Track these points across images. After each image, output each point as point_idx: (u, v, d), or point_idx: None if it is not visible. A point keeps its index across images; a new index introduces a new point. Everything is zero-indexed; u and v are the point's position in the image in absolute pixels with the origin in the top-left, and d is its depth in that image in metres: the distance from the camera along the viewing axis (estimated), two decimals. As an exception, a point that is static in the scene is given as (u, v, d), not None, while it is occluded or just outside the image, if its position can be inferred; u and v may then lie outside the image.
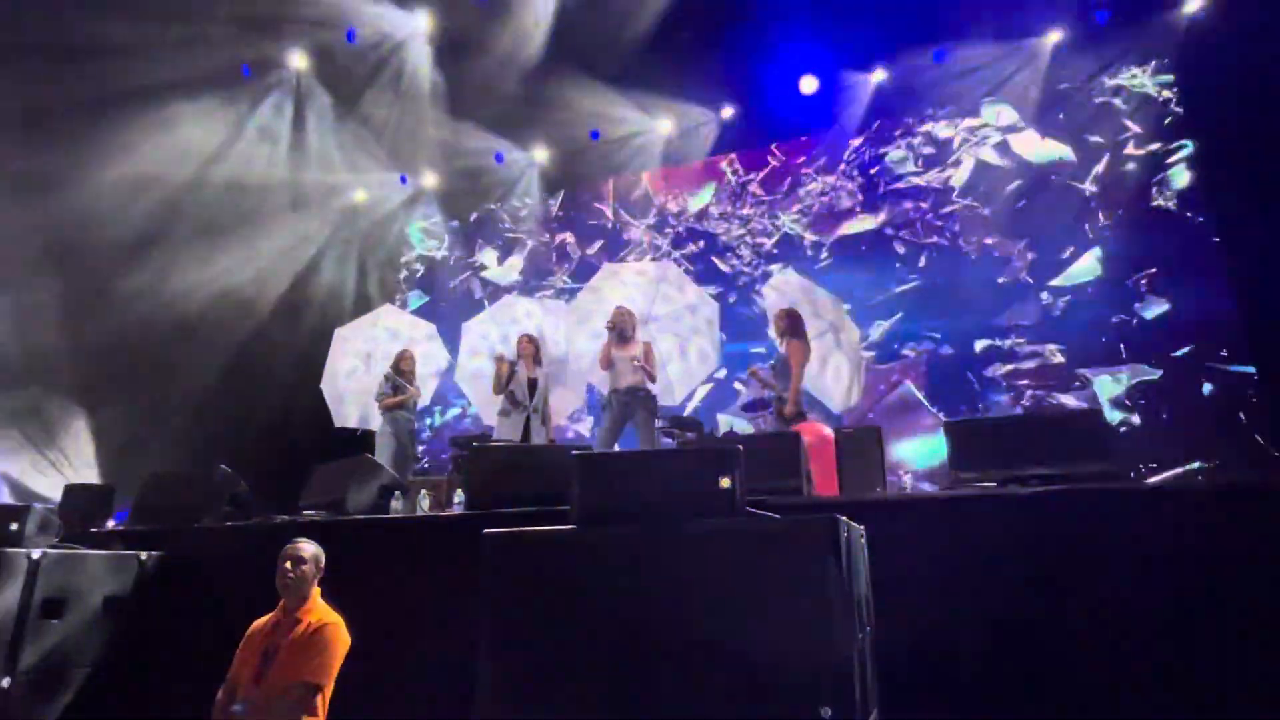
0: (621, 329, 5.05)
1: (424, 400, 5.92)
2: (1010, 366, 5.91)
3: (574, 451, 2.18)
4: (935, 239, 6.51)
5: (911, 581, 2.46)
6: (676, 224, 7.64)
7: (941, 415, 5.84)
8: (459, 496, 3.53)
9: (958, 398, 5.99)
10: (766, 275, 6.61)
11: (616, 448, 4.90)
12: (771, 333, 4.90)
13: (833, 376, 5.21)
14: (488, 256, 8.53)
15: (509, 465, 3.10)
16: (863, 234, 6.74)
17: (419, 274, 8.75)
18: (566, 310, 5.63)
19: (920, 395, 6.11)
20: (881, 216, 6.74)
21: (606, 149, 7.52)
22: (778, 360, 4.81)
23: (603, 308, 5.38)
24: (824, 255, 6.88)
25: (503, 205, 8.39)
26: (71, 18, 5.53)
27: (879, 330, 6.42)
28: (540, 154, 7.93)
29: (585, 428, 7.10)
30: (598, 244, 7.90)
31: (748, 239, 7.18)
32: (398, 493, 3.53)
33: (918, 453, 5.90)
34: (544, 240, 8.25)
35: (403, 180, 8.20)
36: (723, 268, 7.24)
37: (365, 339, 6.10)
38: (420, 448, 5.61)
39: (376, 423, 5.76)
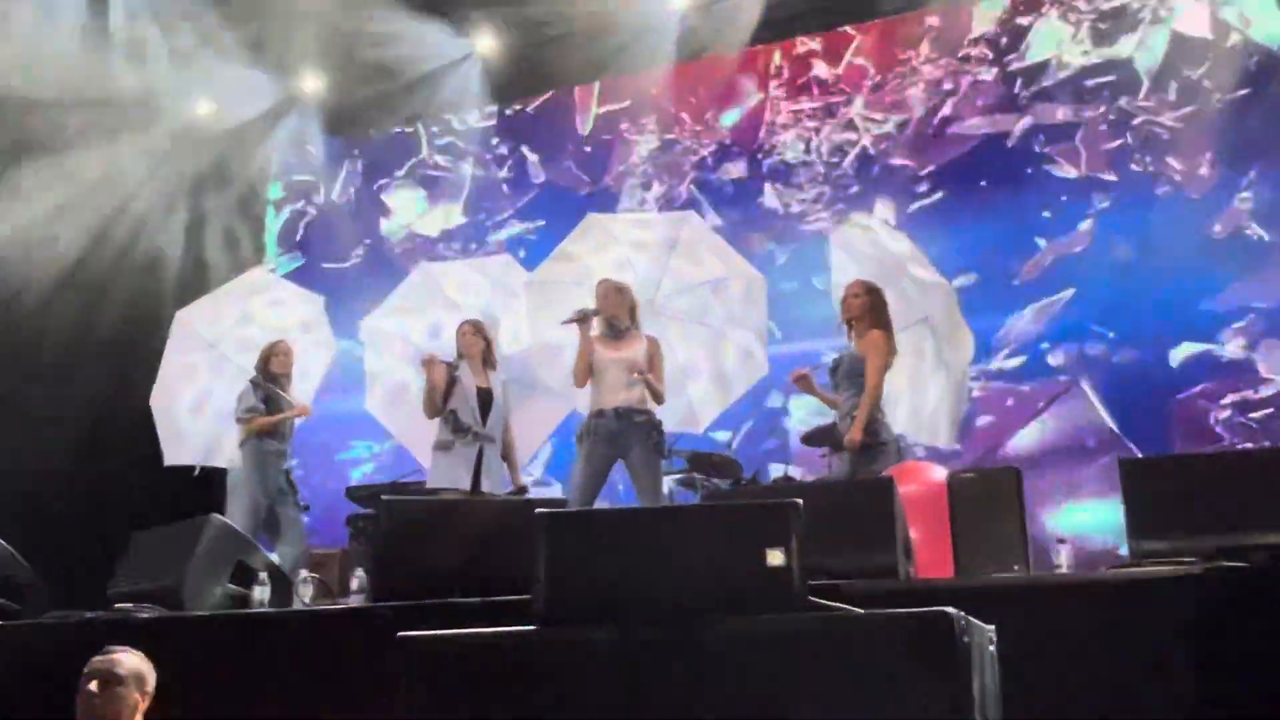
0: (611, 317, 5.02)
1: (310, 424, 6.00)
2: (1239, 395, 5.68)
3: (539, 509, 2.15)
4: (1108, 168, 6.36)
5: (1069, 708, 2.42)
6: (697, 148, 7.53)
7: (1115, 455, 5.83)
8: (359, 579, 3.52)
9: (1145, 430, 5.86)
10: (836, 223, 6.56)
11: (602, 504, 4.92)
12: (840, 314, 4.90)
13: (914, 395, 5.23)
14: (402, 199, 8.44)
15: (437, 529, 3.11)
16: (989, 157, 6.56)
17: (293, 227, 8.70)
18: (529, 283, 5.61)
19: (1084, 425, 6.05)
20: (1022, 126, 6.56)
21: (587, 35, 7.23)
22: (844, 360, 4.81)
23: (582, 281, 5.38)
24: (924, 195, 6.78)
25: (427, 123, 8.34)
26: None
27: (1017, 324, 6.27)
28: (485, 43, 7.70)
29: (541, 463, 7.04)
30: (574, 180, 7.88)
31: (809, 169, 7.13)
32: (263, 574, 3.52)
33: (1079, 512, 5.87)
34: (491, 175, 8.21)
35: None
36: (772, 211, 7.10)
37: (215, 325, 6.13)
38: (302, 498, 5.60)
39: (230, 457, 5.76)
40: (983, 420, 6.40)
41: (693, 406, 5.62)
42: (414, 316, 6.01)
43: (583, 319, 4.97)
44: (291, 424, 5.68)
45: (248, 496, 5.40)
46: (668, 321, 5.58)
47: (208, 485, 6.24)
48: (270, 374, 5.63)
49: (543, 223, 7.83)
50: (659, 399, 5.00)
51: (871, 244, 5.42)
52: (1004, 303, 6.42)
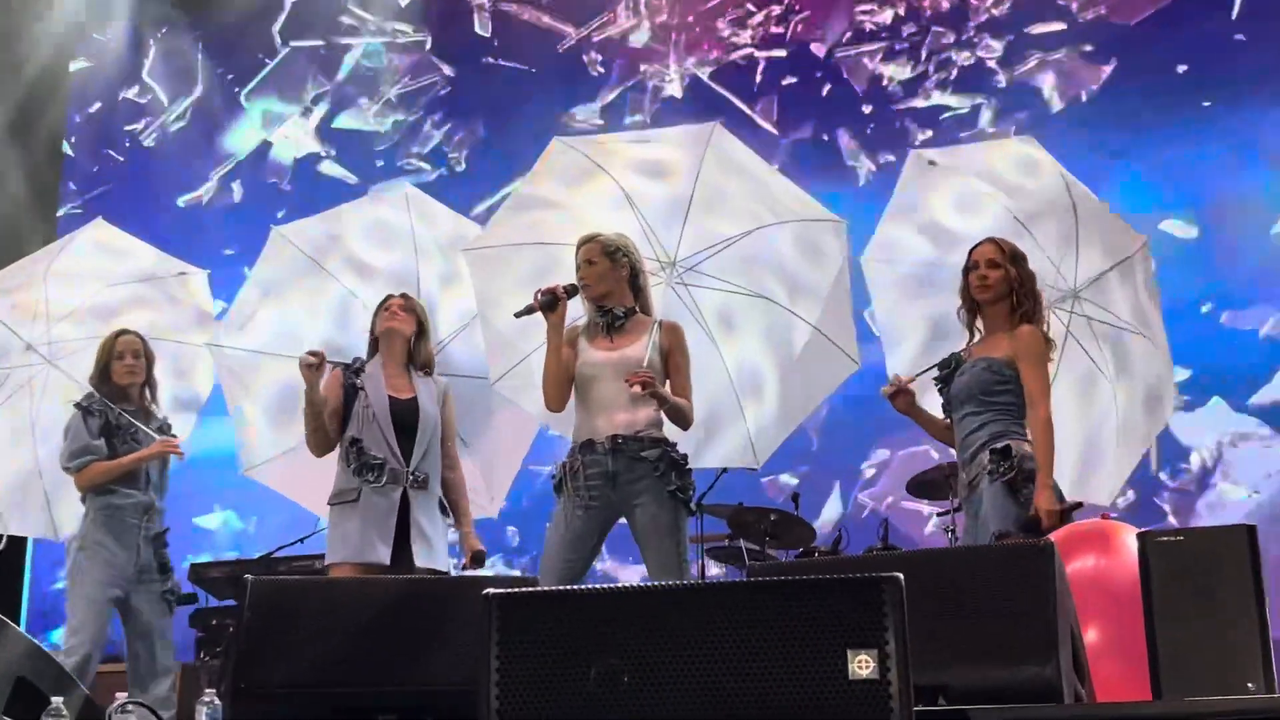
0: (599, 296, 5.05)
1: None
2: None
3: (489, 590, 2.19)
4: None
5: None
6: (728, 36, 7.61)
7: None
8: (208, 711, 3.53)
9: None
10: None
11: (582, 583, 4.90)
12: (960, 292, 4.98)
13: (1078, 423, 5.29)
14: (268, 111, 8.84)
15: (329, 628, 3.13)
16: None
17: (108, 155, 9.09)
18: (469, 253, 5.65)
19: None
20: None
21: None
22: (964, 368, 4.86)
23: (557, 238, 5.43)
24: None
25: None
26: None
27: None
28: None
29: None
30: (545, 80, 8.02)
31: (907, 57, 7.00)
32: (59, 707, 3.52)
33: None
34: (419, 79, 8.38)
35: None
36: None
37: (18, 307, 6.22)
38: (182, 584, 5.67)
39: (68, 523, 5.87)
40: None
41: (749, 436, 5.61)
42: (300, 296, 6.03)
43: (550, 304, 4.91)
44: (161, 464, 5.71)
45: (90, 582, 5.40)
46: (698, 295, 5.58)
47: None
48: (113, 388, 5.65)
49: (481, 131, 7.88)
50: (683, 421, 5.00)
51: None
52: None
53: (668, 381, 5.00)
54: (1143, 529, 3.84)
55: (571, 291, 4.97)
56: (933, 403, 5.08)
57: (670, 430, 5.02)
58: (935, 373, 5.01)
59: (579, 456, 4.92)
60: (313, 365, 5.15)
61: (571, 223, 5.41)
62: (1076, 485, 5.29)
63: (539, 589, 2.78)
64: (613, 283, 5.03)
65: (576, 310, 5.10)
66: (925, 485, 6.89)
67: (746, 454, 5.65)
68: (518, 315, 5.01)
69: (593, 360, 4.97)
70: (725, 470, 6.30)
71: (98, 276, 6.29)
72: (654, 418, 4.94)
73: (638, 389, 4.75)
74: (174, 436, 5.76)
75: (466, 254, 5.59)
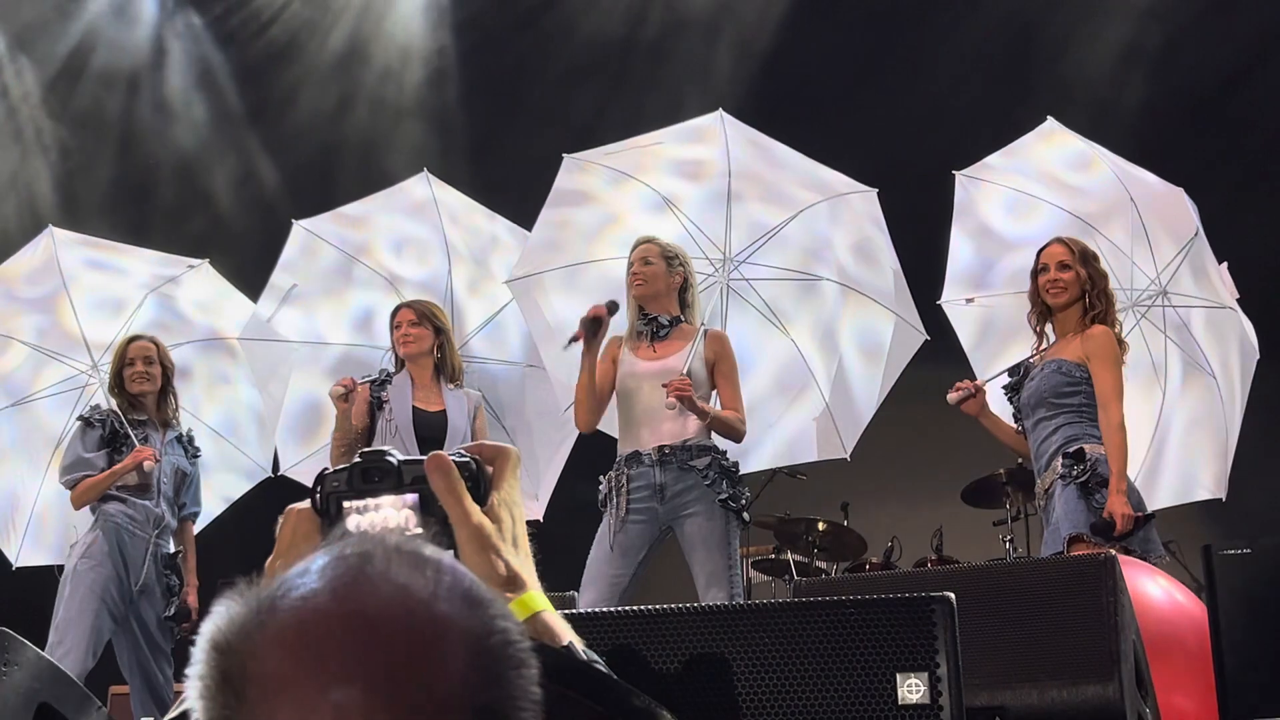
0: (649, 296, 5.01)
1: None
2: None
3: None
4: None
5: None
6: None
7: None
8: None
9: None
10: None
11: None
12: (1030, 294, 4.94)
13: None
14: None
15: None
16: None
17: None
18: (513, 284, 5.67)
19: None
20: None
21: None
22: (1034, 374, 4.83)
23: (602, 253, 5.45)
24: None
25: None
26: None
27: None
28: None
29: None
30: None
31: None
32: None
33: None
34: None
35: None
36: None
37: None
38: (187, 604, 5.60)
39: (52, 550, 5.86)
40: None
41: (824, 423, 5.57)
42: (321, 306, 6.09)
43: (593, 330, 4.85)
44: (179, 477, 5.64)
45: (83, 592, 5.30)
46: (755, 287, 5.57)
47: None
48: (127, 396, 5.61)
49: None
50: (733, 434, 4.96)
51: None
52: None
53: (714, 392, 4.96)
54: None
55: (613, 309, 4.93)
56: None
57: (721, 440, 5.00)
58: (1005, 379, 5.00)
59: (625, 469, 4.89)
60: (343, 395, 5.19)
61: (609, 238, 5.49)
62: (1200, 488, 5.41)
63: (570, 611, 2.73)
64: (663, 287, 5.00)
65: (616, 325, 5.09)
66: (980, 493, 6.81)
67: (834, 445, 5.64)
68: (565, 348, 5.01)
69: (636, 370, 4.93)
70: (777, 473, 6.27)
71: (117, 294, 6.32)
72: (703, 429, 4.90)
73: (673, 400, 4.70)
74: (146, 450, 5.52)
75: (511, 285, 5.65)
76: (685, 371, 4.79)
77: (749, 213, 5.54)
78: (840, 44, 8.93)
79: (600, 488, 4.98)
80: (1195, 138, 8.07)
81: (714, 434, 4.93)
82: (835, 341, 5.63)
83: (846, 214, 5.56)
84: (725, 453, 4.92)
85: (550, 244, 5.62)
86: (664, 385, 4.73)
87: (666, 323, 4.98)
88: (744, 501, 4.91)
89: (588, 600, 4.64)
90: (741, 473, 5.03)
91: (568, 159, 5.65)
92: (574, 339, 4.89)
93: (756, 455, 5.58)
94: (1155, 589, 3.88)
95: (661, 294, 4.99)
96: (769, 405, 5.61)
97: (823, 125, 7.82)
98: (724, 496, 4.81)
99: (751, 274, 5.56)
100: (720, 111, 5.61)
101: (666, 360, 4.89)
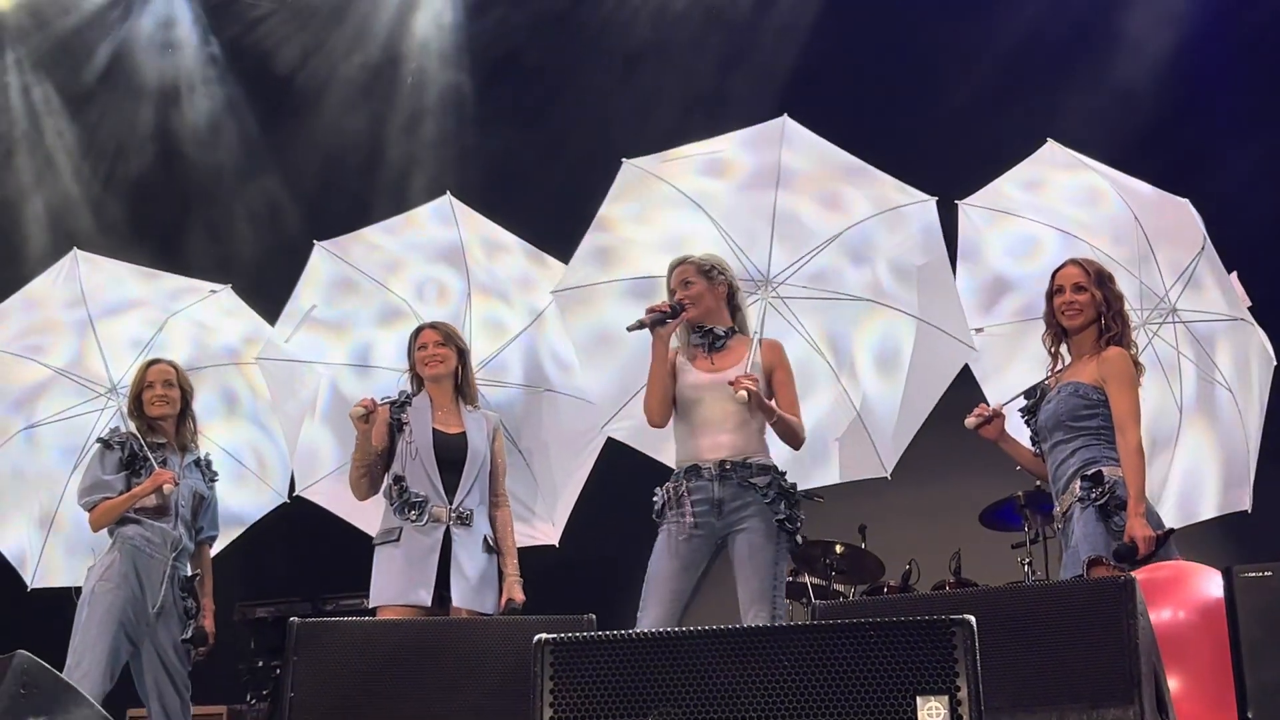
0: (701, 316, 5.00)
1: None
2: None
3: (541, 636, 2.14)
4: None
5: None
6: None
7: None
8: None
9: None
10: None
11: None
12: (1045, 316, 4.94)
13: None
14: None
15: (380, 669, 3.10)
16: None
17: None
18: (558, 295, 5.69)
19: None
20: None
21: None
22: (1051, 397, 4.83)
23: (648, 269, 5.47)
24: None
25: None
26: None
27: None
28: None
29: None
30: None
31: None
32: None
33: None
34: None
35: None
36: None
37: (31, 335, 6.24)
38: (204, 628, 5.59)
39: (69, 572, 5.86)
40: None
41: (863, 442, 5.55)
42: (339, 328, 6.13)
43: (659, 321, 4.86)
44: (196, 501, 5.63)
45: (100, 614, 5.27)
46: (798, 307, 5.54)
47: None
48: (145, 420, 5.61)
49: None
50: (793, 438, 4.95)
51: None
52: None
53: (773, 399, 4.96)
54: (1231, 568, 3.76)
55: (678, 310, 4.93)
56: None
57: (780, 453, 4.99)
58: (1021, 402, 4.98)
59: (684, 482, 4.86)
60: (363, 416, 5.21)
61: (655, 250, 5.47)
62: (1222, 502, 5.41)
63: (591, 634, 2.73)
64: (711, 302, 5.02)
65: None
66: (998, 516, 6.79)
67: (873, 464, 5.60)
68: (630, 329, 4.95)
69: (695, 382, 4.94)
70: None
71: (138, 317, 6.34)
72: (761, 442, 4.91)
73: (742, 394, 4.69)
74: (165, 473, 5.51)
75: (556, 296, 5.65)
76: (759, 377, 4.83)
77: (793, 230, 5.50)
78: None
79: (655, 500, 4.94)
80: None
81: (772, 440, 4.94)
82: (876, 362, 5.61)
83: (899, 227, 5.51)
84: (785, 473, 4.91)
85: (601, 254, 5.63)
86: (730, 383, 4.73)
87: (723, 334, 5.00)
88: (799, 524, 4.90)
89: (653, 618, 4.63)
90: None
91: (626, 164, 5.62)
92: (639, 324, 4.89)
93: (801, 473, 5.50)
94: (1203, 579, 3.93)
95: (713, 310, 5.01)
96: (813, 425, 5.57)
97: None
98: (781, 517, 4.80)
99: (790, 294, 5.53)
100: (785, 118, 5.54)
101: (726, 372, 4.88)
